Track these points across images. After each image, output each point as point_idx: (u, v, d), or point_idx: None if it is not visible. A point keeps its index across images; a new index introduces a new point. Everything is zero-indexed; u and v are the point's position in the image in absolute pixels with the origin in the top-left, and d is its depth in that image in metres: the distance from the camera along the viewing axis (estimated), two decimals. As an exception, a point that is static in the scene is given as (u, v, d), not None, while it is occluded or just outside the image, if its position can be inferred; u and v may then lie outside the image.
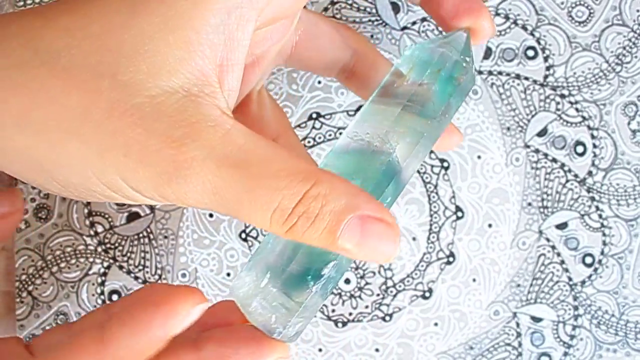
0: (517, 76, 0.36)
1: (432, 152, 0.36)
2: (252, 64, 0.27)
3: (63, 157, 0.20)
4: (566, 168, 0.36)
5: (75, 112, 0.20)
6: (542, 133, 0.36)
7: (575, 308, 0.36)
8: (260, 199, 0.20)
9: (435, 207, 0.36)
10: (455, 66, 0.25)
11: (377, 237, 0.20)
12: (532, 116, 0.36)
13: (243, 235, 0.36)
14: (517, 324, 0.36)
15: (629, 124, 0.36)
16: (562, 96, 0.36)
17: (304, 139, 0.36)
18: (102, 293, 0.36)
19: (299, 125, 0.36)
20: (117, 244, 0.36)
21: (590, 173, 0.36)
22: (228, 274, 0.36)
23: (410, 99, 0.24)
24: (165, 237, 0.36)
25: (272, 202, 0.20)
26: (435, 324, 0.36)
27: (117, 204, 0.36)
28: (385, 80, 0.27)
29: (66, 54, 0.20)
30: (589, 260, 0.36)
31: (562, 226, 0.36)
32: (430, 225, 0.36)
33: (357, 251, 0.20)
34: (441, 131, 0.26)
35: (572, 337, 0.36)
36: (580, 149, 0.36)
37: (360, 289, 0.36)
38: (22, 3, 0.34)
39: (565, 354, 0.36)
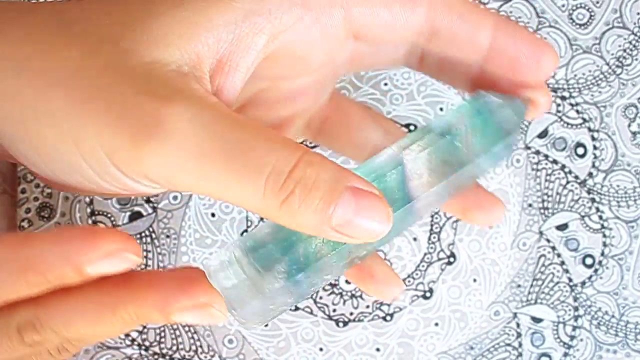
0: (518, 78, 0.36)
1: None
2: (276, 126, 0.27)
3: (44, 104, 0.20)
4: (567, 169, 0.36)
5: (71, 65, 0.20)
6: (543, 135, 0.36)
7: (576, 309, 0.36)
8: (253, 161, 0.18)
9: (434, 208, 0.36)
10: (515, 130, 0.24)
11: (370, 210, 0.19)
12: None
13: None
14: (518, 325, 0.36)
15: (629, 126, 0.36)
16: (563, 98, 0.36)
17: (304, 141, 0.36)
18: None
19: (301, 126, 0.36)
20: None
21: (590, 174, 0.36)
22: (230, 274, 0.36)
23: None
24: (168, 236, 0.36)
25: (267, 165, 0.19)
26: (436, 324, 0.36)
27: (120, 203, 0.36)
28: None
29: (83, 23, 0.21)
30: (589, 261, 0.36)
31: (562, 227, 0.36)
32: (431, 225, 0.36)
33: (348, 228, 0.19)
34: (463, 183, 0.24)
35: (572, 337, 0.36)
36: (580, 150, 0.36)
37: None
38: None
39: (565, 354, 0.36)
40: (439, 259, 0.36)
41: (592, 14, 0.36)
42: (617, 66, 0.36)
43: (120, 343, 0.36)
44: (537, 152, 0.36)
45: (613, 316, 0.36)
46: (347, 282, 0.36)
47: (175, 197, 0.36)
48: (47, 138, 0.20)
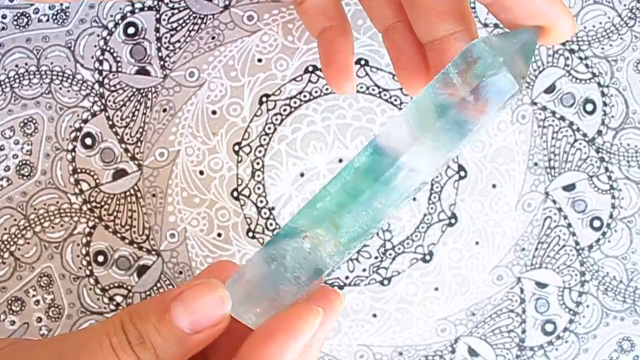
0: (525, 30, 0.34)
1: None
2: None
3: None
4: (574, 127, 0.34)
5: None
6: (550, 90, 0.34)
7: (582, 274, 0.35)
8: None
9: (436, 166, 0.34)
10: (487, 66, 0.22)
11: (196, 303, 0.22)
12: (540, 72, 0.34)
13: (235, 194, 0.34)
14: (521, 290, 0.35)
15: (641, 81, 0.34)
16: (572, 51, 0.34)
17: (300, 92, 0.34)
18: (88, 254, 0.34)
19: (294, 79, 0.34)
20: (103, 203, 0.34)
21: (599, 132, 0.35)
22: (219, 235, 0.34)
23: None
24: (154, 195, 0.34)
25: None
26: (436, 289, 0.34)
27: (103, 161, 0.34)
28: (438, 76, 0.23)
29: None
30: (597, 223, 0.35)
31: (569, 188, 0.35)
32: (432, 185, 0.34)
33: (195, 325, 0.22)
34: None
35: (578, 303, 0.35)
36: (589, 107, 0.34)
37: (358, 251, 0.34)
38: None
39: (571, 321, 0.35)
40: (440, 220, 0.34)
41: (604, -39, 0.34)
42: (630, 18, 0.34)
43: (105, 308, 0.34)
44: (544, 108, 0.34)
45: (621, 282, 0.35)
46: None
47: (161, 154, 0.34)
48: None
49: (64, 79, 0.34)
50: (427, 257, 0.34)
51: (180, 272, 0.34)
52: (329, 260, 0.23)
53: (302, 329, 0.22)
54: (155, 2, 0.34)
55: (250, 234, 0.34)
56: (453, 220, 0.34)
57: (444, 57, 0.24)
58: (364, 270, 0.34)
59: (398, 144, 0.22)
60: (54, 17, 0.34)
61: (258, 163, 0.34)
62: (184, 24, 0.34)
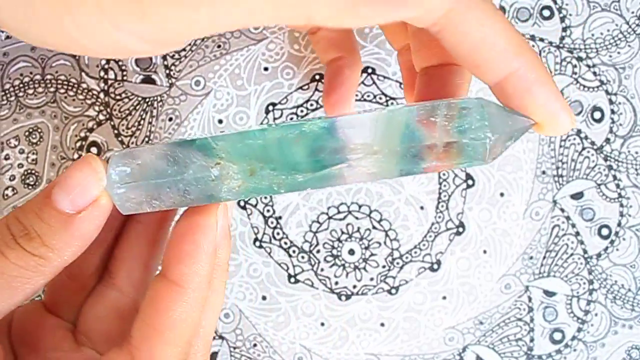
0: (532, 37, 0.34)
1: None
2: None
3: None
4: (582, 135, 0.34)
5: None
6: (558, 97, 0.34)
7: (590, 282, 0.35)
8: None
9: (444, 174, 0.34)
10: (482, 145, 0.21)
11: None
12: (548, 80, 0.34)
13: (242, 203, 0.34)
14: (529, 298, 0.34)
15: (649, 88, 0.34)
16: (579, 59, 0.34)
17: (307, 101, 0.34)
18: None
19: (301, 87, 0.34)
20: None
21: (607, 140, 0.34)
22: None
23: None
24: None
25: None
26: (444, 298, 0.34)
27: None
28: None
29: None
30: (605, 232, 0.35)
31: (577, 196, 0.34)
32: (439, 193, 0.34)
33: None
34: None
35: (586, 312, 0.35)
36: (597, 114, 0.34)
37: (365, 260, 0.34)
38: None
39: (579, 329, 0.35)
40: (447, 229, 0.34)
41: (612, -32, 0.34)
42: (638, 25, 0.34)
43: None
44: (552, 116, 0.34)
45: (629, 290, 0.35)
46: (350, 253, 0.34)
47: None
48: None
49: (69, 87, 0.34)
50: (435, 266, 0.34)
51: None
52: (225, 195, 0.21)
53: (209, 224, 0.21)
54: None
55: (257, 244, 0.34)
56: (461, 229, 0.34)
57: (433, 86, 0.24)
58: (372, 279, 0.34)
59: (352, 137, 0.21)
60: (59, 25, 0.34)
61: (265, 172, 0.34)
62: (190, 33, 0.34)
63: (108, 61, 0.34)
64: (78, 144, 0.34)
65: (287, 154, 0.21)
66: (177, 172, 0.21)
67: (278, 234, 0.34)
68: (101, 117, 0.34)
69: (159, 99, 0.34)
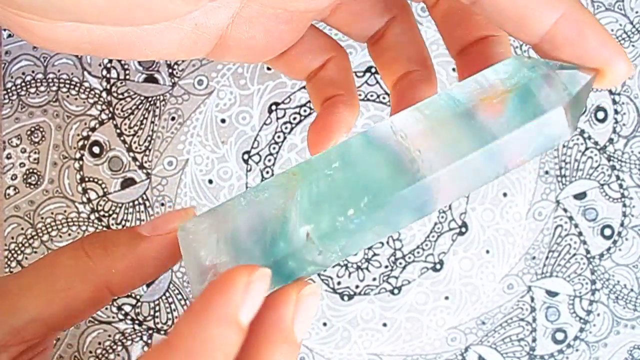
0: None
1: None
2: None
3: None
4: (586, 135, 0.34)
5: None
6: (561, 97, 0.34)
7: (593, 282, 0.35)
8: None
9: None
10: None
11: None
12: (551, 80, 0.34)
13: (244, 203, 0.34)
14: (532, 299, 0.34)
15: (652, 89, 0.34)
16: (583, 59, 0.34)
17: (310, 101, 0.34)
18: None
19: (304, 87, 0.34)
20: (111, 212, 0.34)
21: (610, 140, 0.34)
22: (228, 244, 0.34)
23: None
24: (162, 204, 0.34)
25: None
26: (446, 298, 0.34)
27: (111, 170, 0.34)
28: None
29: None
30: (608, 232, 0.35)
31: (580, 196, 0.34)
32: (442, 193, 0.34)
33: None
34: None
35: (588, 312, 0.35)
36: (600, 115, 0.34)
37: (368, 260, 0.34)
38: None
39: (582, 329, 0.35)
40: (450, 229, 0.34)
41: (616, -32, 0.34)
42: (641, 25, 0.34)
43: (113, 317, 0.34)
44: (555, 116, 0.34)
45: (632, 290, 0.35)
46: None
47: (170, 163, 0.34)
48: None
49: (72, 86, 0.34)
50: (438, 266, 0.34)
51: (189, 282, 0.34)
52: (309, 268, 0.20)
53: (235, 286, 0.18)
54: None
55: (260, 243, 0.34)
56: (463, 229, 0.34)
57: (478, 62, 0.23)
58: (374, 279, 0.34)
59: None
60: (61, 24, 0.33)
61: (267, 172, 0.34)
62: (192, 32, 0.34)
63: (110, 60, 0.34)
64: (80, 143, 0.34)
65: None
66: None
67: (281, 233, 0.34)
68: (103, 116, 0.34)
69: (161, 98, 0.34)
